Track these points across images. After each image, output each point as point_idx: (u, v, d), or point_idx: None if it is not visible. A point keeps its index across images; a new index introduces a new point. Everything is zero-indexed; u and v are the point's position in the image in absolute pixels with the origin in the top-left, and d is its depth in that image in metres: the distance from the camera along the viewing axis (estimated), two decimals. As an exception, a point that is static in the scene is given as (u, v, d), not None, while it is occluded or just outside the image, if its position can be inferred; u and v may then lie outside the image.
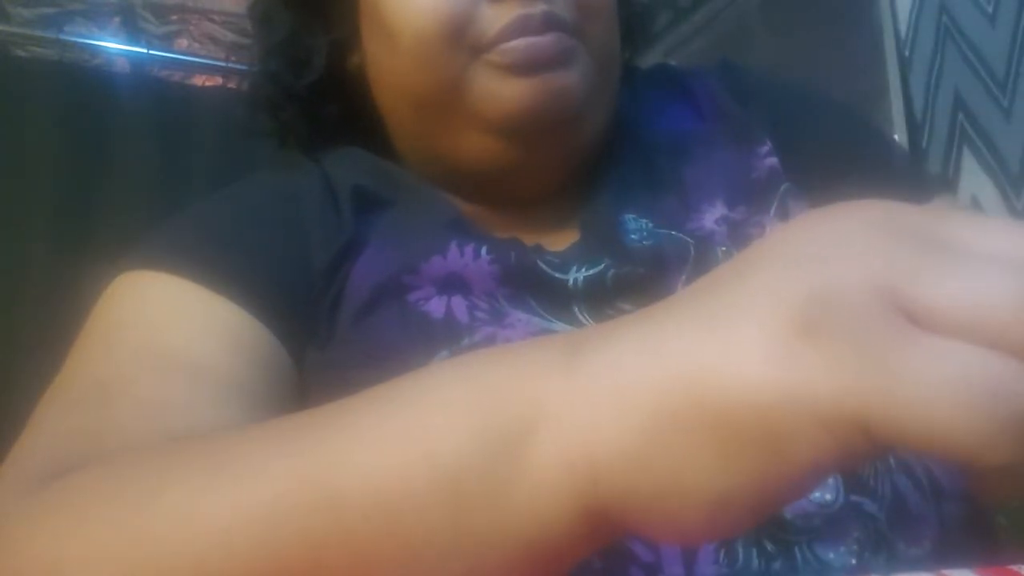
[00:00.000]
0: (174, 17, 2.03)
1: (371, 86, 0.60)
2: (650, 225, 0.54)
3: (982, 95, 1.15)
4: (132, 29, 1.95)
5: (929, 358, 0.20)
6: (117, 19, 1.96)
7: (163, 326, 0.47)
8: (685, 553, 0.41)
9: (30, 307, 1.35)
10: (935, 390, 0.19)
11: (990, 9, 1.15)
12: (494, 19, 0.51)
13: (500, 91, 0.51)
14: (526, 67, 0.51)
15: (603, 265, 0.51)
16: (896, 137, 1.26)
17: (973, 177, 1.15)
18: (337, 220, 0.54)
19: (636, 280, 0.51)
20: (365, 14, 0.58)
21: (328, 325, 0.50)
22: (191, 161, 1.51)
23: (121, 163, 1.48)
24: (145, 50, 1.67)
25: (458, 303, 0.49)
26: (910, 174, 0.61)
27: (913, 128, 1.26)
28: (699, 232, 0.53)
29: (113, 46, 1.74)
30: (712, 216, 0.54)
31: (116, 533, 0.30)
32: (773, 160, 0.56)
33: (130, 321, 0.48)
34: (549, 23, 0.51)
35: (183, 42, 2.06)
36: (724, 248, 0.51)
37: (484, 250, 0.51)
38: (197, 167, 1.50)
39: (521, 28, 0.50)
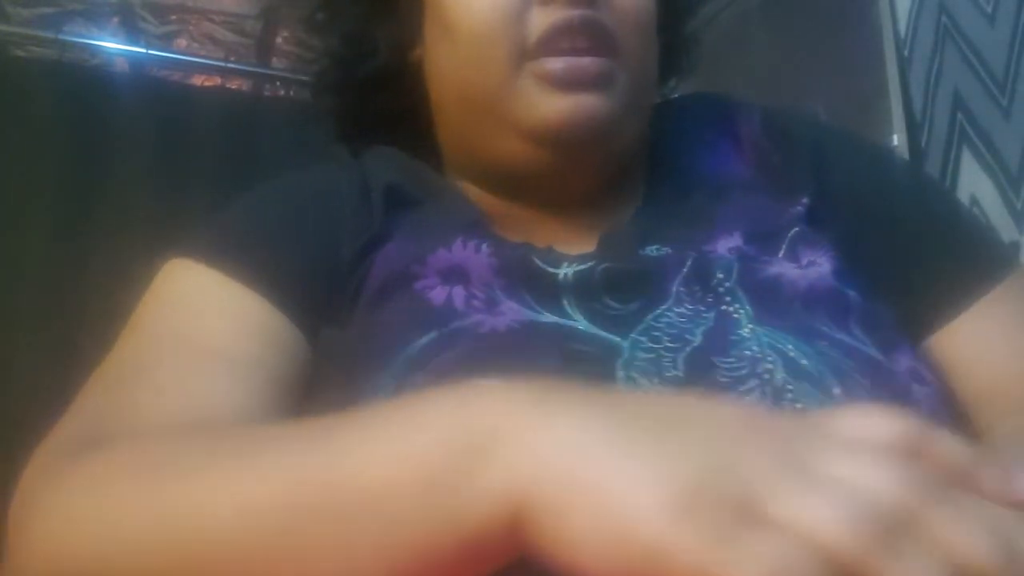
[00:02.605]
0: (173, 17, 2.03)
1: (427, 80, 0.64)
2: (669, 251, 0.56)
3: (981, 95, 1.15)
4: (131, 29, 1.95)
5: (766, 547, 0.26)
6: (116, 19, 1.96)
7: (192, 315, 0.54)
8: None
9: (30, 306, 1.35)
10: (762, 568, 0.25)
11: (989, 9, 1.15)
12: (541, 20, 0.55)
13: (539, 103, 0.56)
14: (565, 84, 0.55)
15: (594, 261, 0.54)
16: (895, 137, 1.26)
17: (972, 177, 1.16)
18: (368, 214, 0.59)
19: (624, 277, 0.53)
20: (429, 10, 0.62)
21: (349, 308, 0.55)
22: (190, 161, 1.51)
23: (121, 163, 1.48)
24: (144, 50, 1.67)
25: (458, 292, 0.53)
26: (977, 242, 0.62)
27: (912, 128, 1.26)
28: (709, 253, 0.55)
29: (112, 46, 1.73)
30: (726, 244, 0.56)
31: (130, 511, 0.37)
32: (800, 210, 0.58)
33: (164, 309, 0.55)
34: (589, 27, 0.55)
35: (182, 42, 2.06)
36: (721, 274, 0.53)
37: (485, 245, 0.55)
38: (196, 167, 1.50)
39: (566, 30, 0.55)
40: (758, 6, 1.69)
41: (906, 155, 1.24)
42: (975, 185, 1.15)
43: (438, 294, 0.53)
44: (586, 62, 0.55)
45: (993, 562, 0.26)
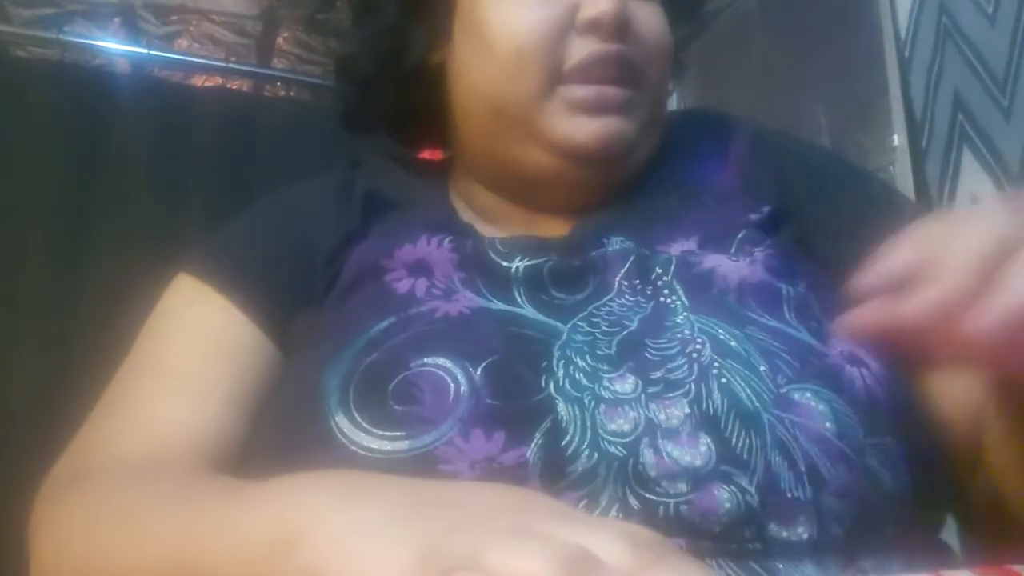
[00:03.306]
0: (174, 17, 2.03)
1: (450, 83, 0.68)
2: (630, 245, 0.60)
3: (982, 95, 1.15)
4: (132, 29, 1.95)
5: None
6: (117, 19, 1.96)
7: (172, 334, 0.61)
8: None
9: (30, 307, 1.35)
10: None
11: (990, 9, 1.15)
12: (579, 49, 0.61)
13: (568, 124, 0.61)
14: (593, 109, 0.61)
15: (544, 257, 0.59)
16: (895, 137, 1.27)
17: (973, 177, 1.16)
18: (346, 215, 0.64)
19: (570, 272, 0.58)
20: (461, 19, 0.66)
21: (322, 299, 0.61)
22: (191, 161, 1.51)
23: (121, 163, 1.48)
24: (145, 50, 1.67)
25: (421, 283, 0.58)
26: None
27: (913, 128, 1.26)
28: (661, 253, 0.60)
29: (113, 46, 1.73)
30: (679, 247, 0.60)
31: (71, 558, 0.49)
32: (756, 217, 0.63)
33: (154, 327, 0.62)
34: (621, 62, 0.61)
35: (183, 42, 2.06)
36: (660, 269, 0.58)
37: (448, 241, 0.60)
38: (197, 167, 1.50)
39: (600, 62, 0.60)
40: (758, 7, 1.69)
41: (907, 155, 1.24)
42: (975, 185, 1.15)
43: (403, 284, 0.58)
44: (612, 92, 0.61)
45: None
